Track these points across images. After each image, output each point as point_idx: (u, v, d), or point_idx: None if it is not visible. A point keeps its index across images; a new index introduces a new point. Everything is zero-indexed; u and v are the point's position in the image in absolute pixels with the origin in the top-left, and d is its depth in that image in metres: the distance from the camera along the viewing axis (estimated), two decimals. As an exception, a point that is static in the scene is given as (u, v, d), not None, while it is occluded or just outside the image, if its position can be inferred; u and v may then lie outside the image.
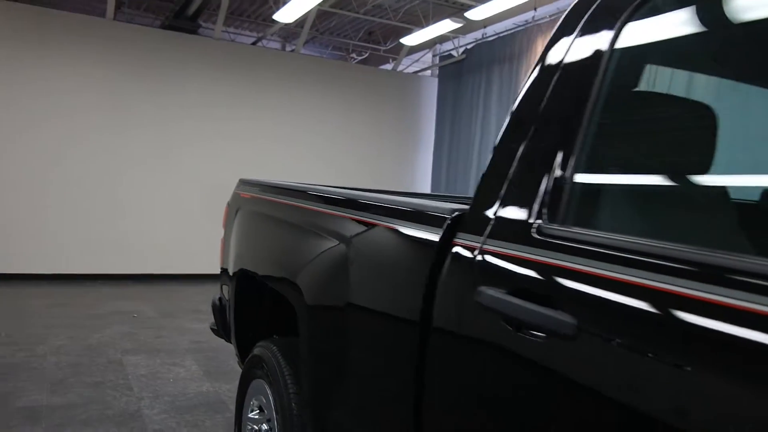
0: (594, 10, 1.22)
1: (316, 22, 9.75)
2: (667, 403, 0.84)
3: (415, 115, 10.39)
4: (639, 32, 1.14)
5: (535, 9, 8.41)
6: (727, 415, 0.77)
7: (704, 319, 0.81)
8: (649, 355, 0.88)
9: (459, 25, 7.61)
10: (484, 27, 9.29)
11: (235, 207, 2.92)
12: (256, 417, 2.41)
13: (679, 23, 1.12)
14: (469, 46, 9.84)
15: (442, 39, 10.04)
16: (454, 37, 9.90)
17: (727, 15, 1.07)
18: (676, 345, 0.85)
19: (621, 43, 1.14)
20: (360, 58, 11.87)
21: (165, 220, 7.87)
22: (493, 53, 9.12)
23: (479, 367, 1.19)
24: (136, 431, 3.21)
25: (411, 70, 11.25)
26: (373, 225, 1.65)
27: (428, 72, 11.04)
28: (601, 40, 1.17)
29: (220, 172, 7.58)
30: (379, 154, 9.81)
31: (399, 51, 10.28)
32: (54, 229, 7.32)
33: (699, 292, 0.83)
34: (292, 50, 10.11)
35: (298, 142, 9.02)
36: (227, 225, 2.98)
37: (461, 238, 1.30)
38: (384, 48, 10.84)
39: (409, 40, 8.64)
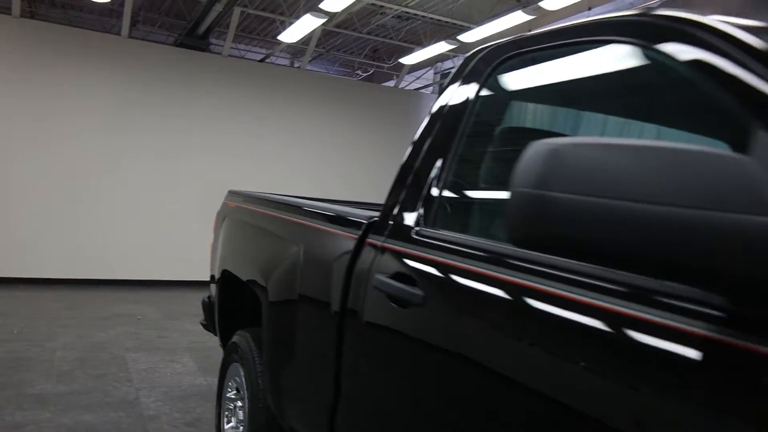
0: (471, 67, 1.60)
1: (321, 40, 10.19)
2: (481, 347, 1.18)
3: (415, 130, 10.71)
4: (495, 84, 1.51)
5: (529, 31, 8.80)
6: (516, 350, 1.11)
7: (501, 292, 1.17)
8: (469, 314, 1.24)
9: (453, 46, 7.98)
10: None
11: (222, 215, 3.29)
12: (233, 396, 2.77)
13: (520, 78, 1.50)
14: (468, 65, 10.19)
15: (442, 57, 10.44)
16: (454, 56, 10.28)
17: (545, 74, 1.44)
18: (486, 309, 1.21)
19: (482, 92, 1.52)
20: (365, 74, 12.30)
21: (172, 229, 8.26)
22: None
23: (375, 337, 1.54)
24: (132, 416, 3.58)
25: (414, 86, 11.65)
26: (317, 229, 2.01)
27: (429, 89, 11.43)
28: (470, 90, 1.54)
29: (227, 185, 7.93)
30: (380, 167, 10.11)
31: (401, 68, 10.69)
32: (67, 238, 7.74)
33: (504, 275, 1.18)
34: (299, 66, 10.54)
35: (302, 155, 9.38)
36: (216, 231, 3.35)
37: (371, 237, 1.65)
38: (387, 65, 11.26)
39: (408, 59, 9.03)
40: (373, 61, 11.46)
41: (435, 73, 11.43)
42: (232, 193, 3.34)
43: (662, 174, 0.73)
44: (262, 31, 10.30)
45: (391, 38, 9.71)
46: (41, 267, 7.64)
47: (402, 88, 11.16)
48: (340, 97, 9.91)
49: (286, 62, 12.02)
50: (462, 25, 8.47)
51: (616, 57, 1.20)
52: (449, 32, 8.83)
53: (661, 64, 1.08)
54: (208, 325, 3.43)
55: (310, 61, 10.44)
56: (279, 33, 8.40)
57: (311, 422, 1.91)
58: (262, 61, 10.79)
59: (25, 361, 4.45)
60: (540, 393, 1.03)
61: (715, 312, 0.80)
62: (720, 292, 0.80)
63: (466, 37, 7.48)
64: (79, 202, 7.83)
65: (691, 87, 1.00)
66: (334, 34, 10.03)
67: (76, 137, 7.81)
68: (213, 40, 10.03)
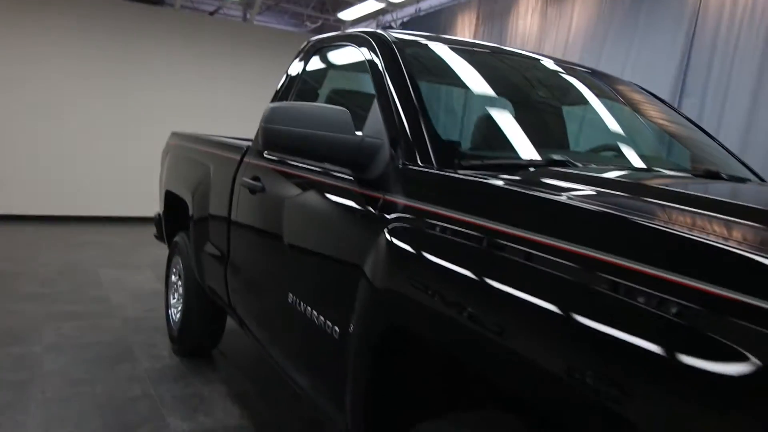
0: (305, 51, 2.67)
1: (270, -6, 10.93)
2: (284, 210, 2.28)
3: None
4: (313, 62, 2.59)
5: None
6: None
7: (281, 177, 2.27)
8: (278, 193, 2.34)
9: (382, 5, 8.88)
10: (418, 2, 10.57)
11: (166, 151, 4.33)
12: (175, 280, 3.88)
13: (322, 61, 2.57)
14: (405, 20, 11.13)
15: (383, 11, 11.31)
16: (392, 11, 11.17)
17: (331, 59, 2.52)
18: (280, 187, 2.31)
19: (307, 68, 2.59)
20: (314, 26, 13.08)
21: (136, 170, 9.15)
22: (423, 28, 10.43)
23: (243, 216, 2.65)
24: (105, 306, 4.68)
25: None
26: (220, 155, 3.09)
27: (373, 40, 12.28)
28: (300, 65, 2.62)
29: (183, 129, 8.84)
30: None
31: (345, 21, 11.53)
32: (36, 175, 8.60)
33: (282, 168, 2.27)
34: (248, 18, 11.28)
35: (250, 102, 10.24)
36: (162, 164, 4.39)
37: (246, 157, 2.74)
38: (333, 18, 12.07)
39: (345, 15, 9.89)
40: (321, 13, 12.24)
41: (377, 26, 12.29)
42: (173, 134, 4.37)
43: (316, 116, 1.81)
44: (213, -15, 10.99)
45: (333, -8, 10.53)
46: (13, 204, 8.50)
47: (347, 39, 11.98)
48: (285, 48, 10.64)
49: (239, 14, 12.72)
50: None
51: (350, 53, 2.29)
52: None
53: (362, 60, 2.16)
54: (160, 236, 4.50)
55: (261, 13, 11.17)
56: (228, -11, 9.16)
57: (215, 277, 3.02)
58: (213, 13, 11.49)
59: (13, 274, 5.48)
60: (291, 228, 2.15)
61: (349, 177, 1.91)
62: (349, 168, 1.90)
63: (392, -3, 8.39)
64: (53, 146, 8.64)
65: (366, 72, 2.09)
66: (282, -12, 10.79)
67: (40, 89, 8.55)
68: (167, -7, 10.70)
